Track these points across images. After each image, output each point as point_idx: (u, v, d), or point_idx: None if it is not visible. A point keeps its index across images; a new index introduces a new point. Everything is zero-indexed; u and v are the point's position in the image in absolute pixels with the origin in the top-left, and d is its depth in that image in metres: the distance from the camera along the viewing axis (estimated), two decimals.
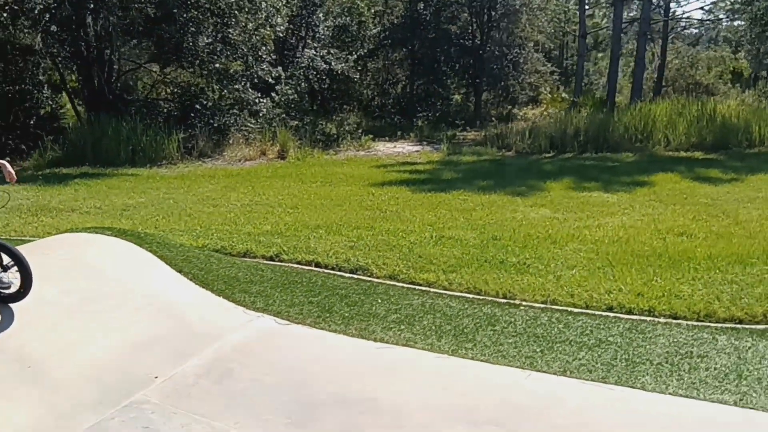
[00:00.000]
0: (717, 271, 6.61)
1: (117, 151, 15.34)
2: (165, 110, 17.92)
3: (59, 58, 17.03)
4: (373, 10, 25.89)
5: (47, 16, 15.22)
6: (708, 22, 31.77)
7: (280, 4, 18.89)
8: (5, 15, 15.08)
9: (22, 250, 4.77)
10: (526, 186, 12.28)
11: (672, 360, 4.55)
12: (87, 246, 5.63)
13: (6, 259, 4.49)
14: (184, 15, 17.27)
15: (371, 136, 19.75)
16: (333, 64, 23.21)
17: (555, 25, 34.65)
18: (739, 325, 5.29)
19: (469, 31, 26.24)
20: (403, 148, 18.99)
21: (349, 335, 4.89)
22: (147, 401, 3.87)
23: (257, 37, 18.72)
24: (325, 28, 23.43)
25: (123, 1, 16.81)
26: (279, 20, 18.88)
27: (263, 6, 18.10)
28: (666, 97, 24.79)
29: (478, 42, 26.01)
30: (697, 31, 40.13)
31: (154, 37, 17.53)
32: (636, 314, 5.51)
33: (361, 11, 25.45)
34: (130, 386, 4.00)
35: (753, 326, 5.27)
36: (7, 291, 4.42)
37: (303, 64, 22.89)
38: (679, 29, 34.24)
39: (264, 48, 19.41)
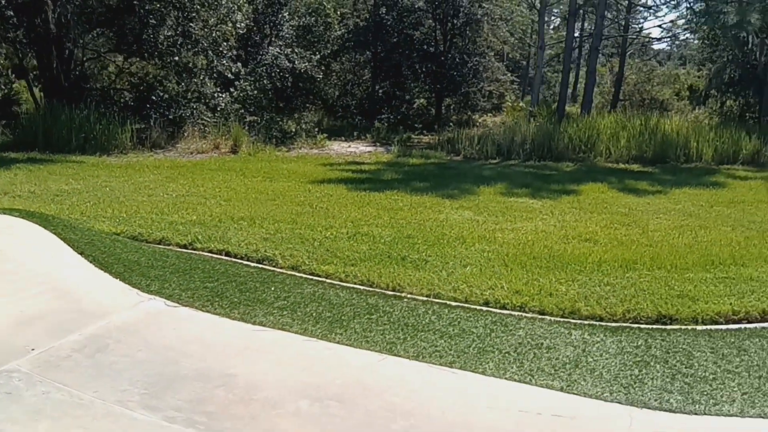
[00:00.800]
0: (599, 273, 7.05)
1: (68, 138, 15.46)
2: (122, 100, 18.06)
3: (17, 44, 17.08)
4: (339, 12, 26.23)
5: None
6: (667, 39, 32.53)
7: (241, 1, 19.12)
8: None
9: None
10: (459, 189, 12.69)
11: (520, 350, 4.96)
12: None
13: None
14: (146, 7, 17.42)
15: (326, 135, 20.10)
16: (296, 62, 23.50)
17: (520, 36, 35.36)
18: (597, 322, 5.72)
19: (432, 37, 26.69)
20: (357, 149, 19.36)
21: (231, 318, 5.22)
22: (17, 370, 4.15)
23: (218, 33, 18.95)
24: (290, 27, 23.71)
25: None
26: (239, 17, 19.12)
27: (223, 2, 18.33)
28: (623, 111, 25.49)
29: (441, 48, 26.47)
30: (668, 47, 41.10)
31: (114, 27, 17.69)
32: (509, 309, 5.91)
33: (327, 12, 25.79)
34: (4, 356, 4.28)
35: (609, 323, 5.70)
36: None
37: (266, 62, 23.14)
38: (637, 45, 35.08)
39: (225, 44, 19.63)
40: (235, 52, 20.34)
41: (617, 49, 30.73)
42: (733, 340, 5.43)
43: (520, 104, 31.26)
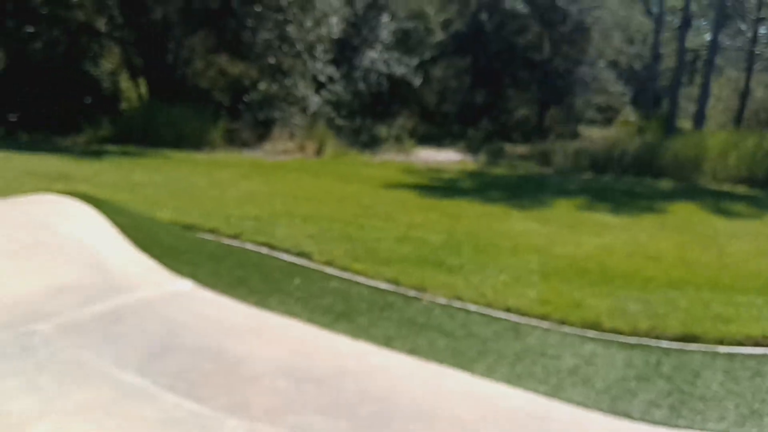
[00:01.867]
0: (642, 290, 6.84)
1: (163, 134, 16.51)
2: (217, 99, 19.05)
3: (124, 43, 18.42)
4: (441, 18, 26.41)
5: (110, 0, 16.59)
6: None
7: (336, 5, 19.69)
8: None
9: (2, 203, 5.64)
10: (535, 201, 12.54)
11: (521, 356, 4.92)
12: (47, 205, 6.47)
13: None
14: (245, 9, 18.32)
15: (416, 141, 20.30)
16: (394, 67, 23.91)
17: (639, 45, 34.04)
18: (616, 337, 5.55)
19: (537, 44, 26.35)
20: (445, 156, 19.44)
21: (246, 303, 5.47)
22: (39, 332, 4.55)
23: (313, 36, 19.60)
24: (389, 32, 24.11)
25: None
26: (334, 20, 19.67)
27: (318, 5, 18.95)
28: (747, 129, 24.07)
29: (546, 56, 26.09)
30: None
31: (214, 29, 18.73)
32: (529, 317, 5.85)
33: (428, 17, 26.04)
34: (33, 319, 4.70)
35: (629, 339, 5.52)
36: None
37: (363, 66, 23.70)
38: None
39: (320, 47, 20.27)
40: (330, 56, 20.92)
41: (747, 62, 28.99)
42: (753, 363, 5.15)
43: (631, 118, 30.27)
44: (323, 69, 20.19)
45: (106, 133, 16.94)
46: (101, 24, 17.87)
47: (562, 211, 11.71)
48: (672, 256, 8.78)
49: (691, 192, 15.28)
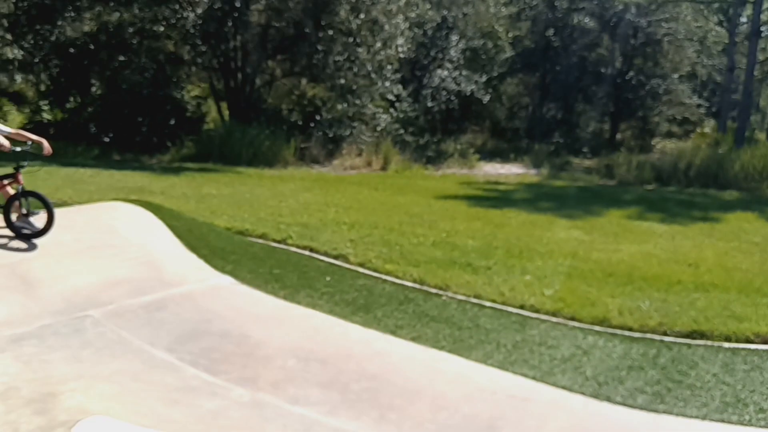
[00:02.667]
0: (665, 292, 7.01)
1: (239, 152, 17.49)
2: (291, 119, 20.02)
3: (206, 69, 19.70)
4: (511, 34, 26.68)
5: (193, 31, 17.82)
6: None
7: (403, 27, 20.34)
8: (162, 29, 18.02)
9: (73, 210, 6.51)
10: (585, 211, 12.68)
11: (519, 345, 5.31)
12: (113, 211, 7.30)
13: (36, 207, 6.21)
14: (317, 35, 19.24)
15: (480, 156, 20.65)
16: (463, 85, 24.37)
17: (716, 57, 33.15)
18: (623, 332, 5.81)
19: (608, 58, 26.21)
20: (509, 170, 19.68)
21: (276, 296, 6.07)
22: (91, 316, 5.28)
23: (382, 57, 20.29)
24: (457, 51, 24.56)
25: (264, 23, 19.33)
26: (400, 41, 20.31)
27: (386, 27, 19.66)
28: None
29: (617, 70, 25.91)
30: None
31: (288, 54, 19.76)
32: (541, 313, 6.18)
33: (498, 35, 26.38)
34: (88, 306, 5.44)
35: (635, 334, 5.77)
36: (30, 230, 6.12)
37: (433, 84, 24.29)
38: None
39: (389, 67, 20.94)
40: (399, 75, 21.57)
41: None
42: (754, 358, 5.32)
43: (705, 130, 29.51)
44: (391, 88, 20.87)
45: (188, 152, 18.15)
46: (185, 52, 19.21)
47: (611, 220, 11.82)
48: (710, 263, 8.82)
49: (753, 202, 14.94)
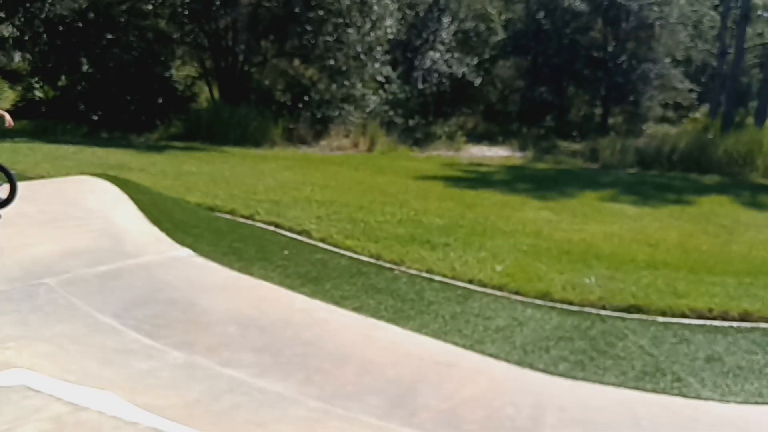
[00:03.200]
0: (615, 270, 7.21)
1: (227, 132, 17.67)
2: (278, 99, 20.15)
3: (196, 48, 19.80)
4: (503, 17, 26.69)
5: (181, 9, 17.94)
6: None
7: (392, 8, 20.39)
8: (150, 7, 18.15)
9: (41, 183, 6.70)
10: (560, 192, 12.86)
11: (457, 317, 5.53)
12: (80, 185, 7.51)
13: None
14: (307, 15, 19.30)
15: (468, 139, 20.79)
16: (454, 67, 24.45)
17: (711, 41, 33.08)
18: (562, 305, 6.02)
19: (600, 42, 26.19)
20: (495, 153, 19.83)
21: (231, 268, 6.26)
22: (46, 284, 5.48)
23: (371, 38, 20.35)
24: (449, 33, 24.60)
25: (254, 2, 19.44)
26: (389, 22, 20.36)
27: (375, 8, 19.72)
28: None
29: (609, 54, 25.90)
30: None
31: (279, 34, 19.84)
32: (487, 287, 6.39)
33: (491, 17, 26.40)
34: (44, 274, 5.64)
35: (573, 307, 5.99)
36: None
37: (424, 66, 24.37)
38: None
39: (379, 48, 21.01)
40: (389, 57, 21.64)
41: None
42: (684, 332, 5.53)
43: (697, 115, 29.58)
44: (381, 69, 20.96)
45: (176, 131, 18.33)
46: (173, 31, 19.32)
47: (584, 201, 12.01)
48: (670, 243, 9.02)
49: (731, 187, 15.10)
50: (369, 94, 20.97)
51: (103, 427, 2.96)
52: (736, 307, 5.96)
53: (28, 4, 18.60)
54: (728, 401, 4.42)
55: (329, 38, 19.85)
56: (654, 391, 4.51)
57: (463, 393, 4.28)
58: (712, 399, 4.44)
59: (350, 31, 20.03)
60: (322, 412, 3.90)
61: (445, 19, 24.75)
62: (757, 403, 4.41)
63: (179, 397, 3.81)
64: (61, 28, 18.21)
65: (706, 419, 4.20)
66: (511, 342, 5.10)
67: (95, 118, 18.33)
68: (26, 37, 18.81)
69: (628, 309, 5.99)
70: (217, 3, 18.34)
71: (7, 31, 19.64)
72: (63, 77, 19.79)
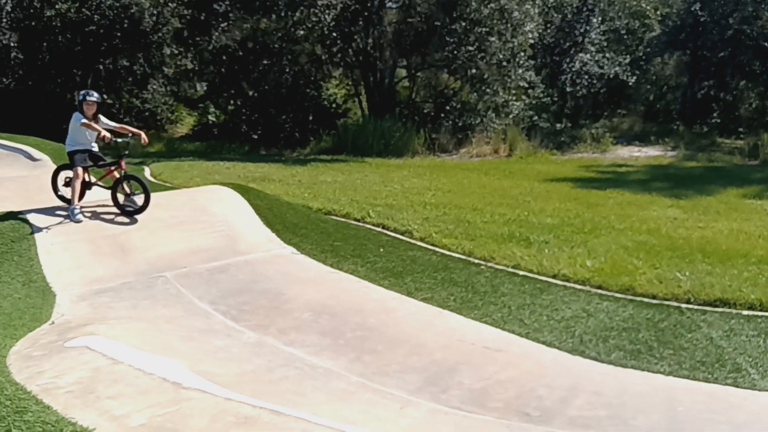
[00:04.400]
0: (722, 265, 6.92)
1: (373, 144, 18.57)
2: (422, 110, 20.75)
3: (343, 67, 20.99)
4: (659, 12, 25.43)
5: (328, 32, 19.15)
6: None
7: (532, 12, 20.27)
8: (302, 32, 19.55)
9: (176, 193, 7.79)
10: (697, 191, 12.26)
11: (522, 306, 5.69)
12: (209, 193, 8.46)
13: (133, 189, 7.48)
14: (451, 26, 19.76)
15: (614, 139, 20.11)
16: (606, 68, 23.73)
17: None
18: (642, 299, 5.95)
19: None
20: (644, 153, 19.05)
21: (325, 264, 6.84)
22: (164, 276, 6.38)
23: (514, 44, 20.36)
24: (599, 33, 23.90)
25: (396, 20, 20.28)
26: (530, 26, 20.24)
27: (515, 14, 19.73)
28: None
29: None
30: None
31: (421, 48, 20.49)
32: (570, 282, 6.43)
33: (647, 14, 25.28)
34: (165, 269, 6.55)
35: (652, 300, 5.88)
36: (132, 208, 7.40)
37: (574, 69, 23.88)
38: None
39: (522, 54, 20.97)
40: (533, 62, 21.51)
41: None
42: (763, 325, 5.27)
43: None
44: (524, 75, 20.90)
45: (325, 145, 19.58)
46: (322, 53, 20.64)
47: (722, 199, 11.34)
48: None
49: None
50: (512, 100, 21.00)
51: (128, 375, 3.55)
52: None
53: (198, 38, 20.82)
54: None
55: (471, 48, 20.18)
56: (705, 380, 4.42)
57: (501, 375, 4.48)
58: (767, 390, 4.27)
59: (492, 39, 20.21)
60: (359, 385, 4.29)
61: (595, 20, 24.08)
62: None
63: (237, 368, 4.39)
64: (224, 57, 20.10)
65: (750, 407, 4.07)
66: (571, 331, 5.17)
67: (255, 137, 20.07)
68: (197, 68, 21.00)
69: (714, 302, 5.78)
70: (361, 23, 19.33)
71: (191, 63, 22.07)
72: (231, 102, 21.84)
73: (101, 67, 20.29)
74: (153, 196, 7.60)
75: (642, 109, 26.35)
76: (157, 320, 5.20)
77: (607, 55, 24.06)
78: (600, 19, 24.25)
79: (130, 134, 7.62)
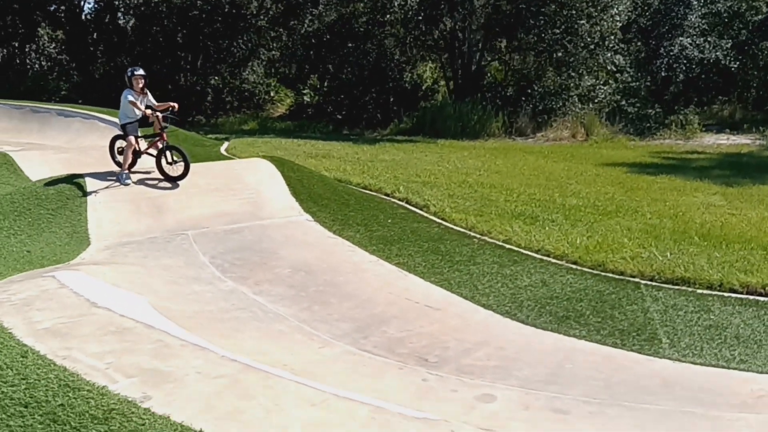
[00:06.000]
0: (717, 249, 6.98)
1: (450, 126, 18.97)
2: (505, 93, 20.86)
3: (427, 50, 21.46)
4: None
5: (411, 14, 19.70)
6: None
7: None
8: (388, 16, 20.21)
9: (220, 163, 8.75)
10: (755, 180, 11.91)
11: (484, 275, 6.12)
12: (247, 164, 9.34)
13: (176, 158, 8.44)
14: (540, 9, 19.73)
15: (702, 126, 19.40)
16: (706, 52, 22.78)
17: None
18: (609, 274, 6.18)
19: None
20: (732, 141, 18.27)
21: (328, 230, 7.51)
22: (185, 234, 7.27)
23: (605, 26, 19.97)
24: (698, 16, 22.92)
25: (483, 4, 20.49)
26: (619, 8, 19.78)
27: None
28: None
29: None
30: None
31: (509, 30, 20.56)
32: (547, 256, 6.75)
33: None
34: (190, 228, 7.46)
35: (612, 275, 6.12)
36: (173, 175, 8.37)
37: (673, 53, 23.07)
38: None
39: (612, 37, 20.56)
40: (623, 46, 21.04)
41: None
42: (715, 304, 5.48)
43: None
44: (612, 59, 20.50)
45: (405, 126, 20.19)
46: (406, 34, 21.19)
47: None
48: None
49: None
50: (600, 84, 20.71)
51: (63, 296, 4.36)
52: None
53: (293, 22, 21.96)
54: (683, 361, 4.47)
55: (557, 30, 20.07)
56: (613, 345, 4.73)
57: (425, 329, 4.98)
58: (669, 358, 4.53)
59: (581, 21, 19.99)
60: (296, 329, 4.95)
61: (695, 2, 23.10)
62: (712, 365, 4.41)
63: (198, 308, 5.16)
64: (313, 41, 21.11)
65: (637, 370, 4.35)
66: (515, 298, 5.57)
67: (339, 117, 21.00)
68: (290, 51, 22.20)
69: (676, 281, 5.95)
70: (443, 7, 19.69)
71: (284, 47, 23.36)
72: (322, 83, 22.88)
73: (204, 49, 21.88)
74: (195, 165, 8.56)
75: (748, 95, 25.04)
76: (156, 267, 6.07)
77: (709, 39, 23.08)
78: (702, 1, 23.23)
79: (169, 109, 8.56)
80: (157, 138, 8.55)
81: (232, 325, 4.89)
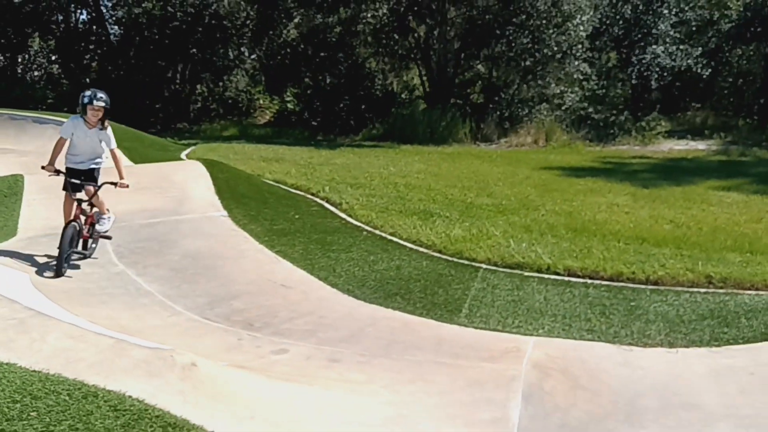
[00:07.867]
0: (579, 240, 7.75)
1: (419, 132, 19.78)
2: (473, 101, 21.65)
3: (397, 59, 22.35)
4: (739, 1, 24.59)
5: (380, 26, 20.60)
6: None
7: (583, 4, 20.53)
8: (360, 27, 21.13)
9: (153, 165, 9.66)
10: (675, 182, 12.64)
11: (346, 260, 6.87)
12: (179, 166, 10.22)
13: None
14: (510, 19, 20.51)
15: (663, 132, 20.05)
16: (677, 60, 23.41)
17: None
18: (458, 260, 6.96)
19: None
20: (689, 147, 18.92)
21: (236, 224, 8.31)
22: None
23: (572, 35, 20.68)
24: (669, 25, 23.55)
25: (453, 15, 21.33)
26: (583, 18, 20.49)
27: (565, 8, 20.12)
28: None
29: None
30: None
31: (477, 40, 21.35)
32: (416, 245, 7.54)
33: (727, 4, 24.57)
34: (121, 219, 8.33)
35: (460, 260, 6.90)
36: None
37: (644, 60, 23.71)
38: None
39: (579, 46, 21.27)
40: (590, 54, 21.76)
41: None
42: (539, 285, 6.21)
43: None
44: (579, 67, 21.20)
45: (376, 133, 21.06)
46: (377, 45, 22.07)
47: (692, 189, 11.67)
48: (707, 225, 8.84)
49: None
50: (567, 91, 21.45)
51: None
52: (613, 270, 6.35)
53: (271, 32, 22.94)
54: (468, 327, 5.24)
55: (525, 40, 20.84)
56: (420, 315, 5.53)
57: (268, 302, 5.80)
58: (459, 324, 5.30)
59: (549, 31, 20.75)
60: (157, 302, 5.78)
61: (665, 11, 23.77)
62: (489, 329, 5.18)
63: (75, 285, 5.99)
64: (288, 50, 22.07)
65: (424, 333, 5.14)
66: (361, 278, 6.37)
67: (315, 124, 21.90)
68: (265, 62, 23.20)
69: (512, 265, 6.72)
70: (410, 17, 20.55)
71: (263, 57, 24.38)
72: (304, 91, 23.79)
73: (188, 59, 22.91)
74: (133, 167, 9.46)
75: (723, 102, 25.61)
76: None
77: (681, 47, 23.71)
78: (672, 10, 23.87)
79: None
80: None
81: (101, 299, 5.72)
